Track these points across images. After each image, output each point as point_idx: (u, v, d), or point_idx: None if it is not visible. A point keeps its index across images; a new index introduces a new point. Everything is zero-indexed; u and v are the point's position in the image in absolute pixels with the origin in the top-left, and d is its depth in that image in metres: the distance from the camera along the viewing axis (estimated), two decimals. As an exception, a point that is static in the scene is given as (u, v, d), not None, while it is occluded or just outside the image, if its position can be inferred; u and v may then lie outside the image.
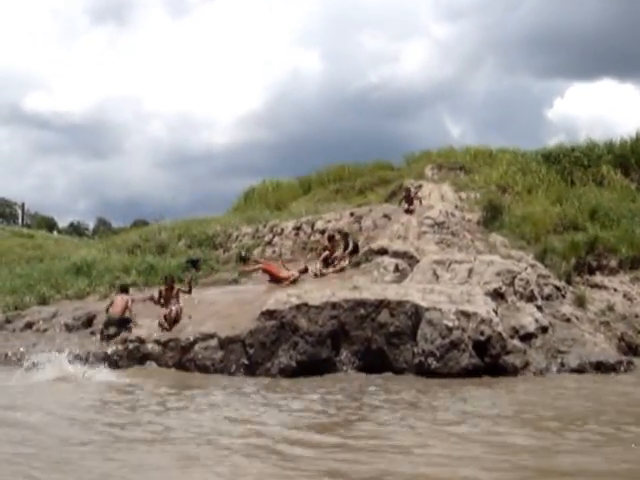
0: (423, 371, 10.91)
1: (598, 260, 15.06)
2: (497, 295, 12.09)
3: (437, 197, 17.82)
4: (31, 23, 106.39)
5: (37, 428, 7.31)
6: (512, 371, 10.85)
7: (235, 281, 15.49)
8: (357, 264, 14.24)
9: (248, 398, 9.33)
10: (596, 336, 12.37)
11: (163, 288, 13.78)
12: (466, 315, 11.09)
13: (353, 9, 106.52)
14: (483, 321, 11.04)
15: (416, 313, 11.41)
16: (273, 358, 11.72)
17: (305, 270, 14.56)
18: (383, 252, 14.22)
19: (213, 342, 11.97)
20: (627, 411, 8.23)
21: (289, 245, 16.73)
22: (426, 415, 7.94)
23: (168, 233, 19.58)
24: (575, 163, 19.88)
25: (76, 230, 50.51)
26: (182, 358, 12.01)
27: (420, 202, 16.72)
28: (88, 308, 14.60)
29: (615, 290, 14.32)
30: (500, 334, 11.02)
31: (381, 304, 11.76)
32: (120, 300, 13.47)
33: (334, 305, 11.90)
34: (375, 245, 14.45)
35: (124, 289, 14.05)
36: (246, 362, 11.75)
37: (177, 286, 13.95)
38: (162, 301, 13.47)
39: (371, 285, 12.79)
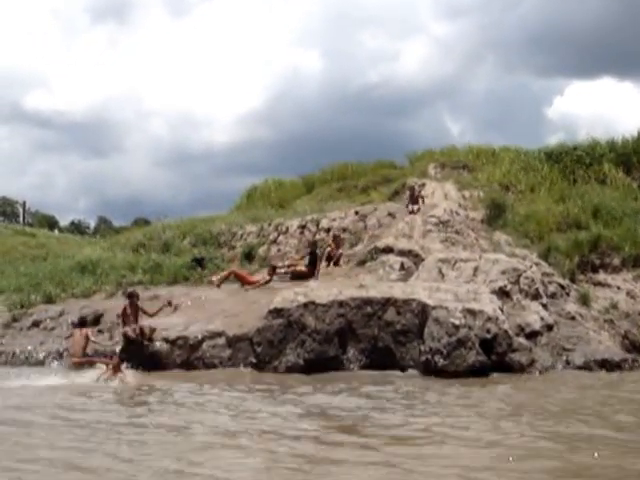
0: (430, 369, 10.98)
1: (601, 258, 15.15)
2: (503, 293, 12.18)
3: (440, 196, 17.93)
4: (32, 22, 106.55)
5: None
6: (518, 369, 10.94)
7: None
8: (363, 262, 14.32)
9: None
10: (600, 334, 12.47)
11: (127, 304, 12.50)
12: (472, 313, 11.17)
13: (353, 8, 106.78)
14: (489, 319, 11.13)
15: (423, 311, 11.50)
16: (281, 356, 11.80)
17: (273, 270, 14.71)
18: (388, 250, 14.30)
19: (221, 340, 12.05)
20: None
21: (294, 244, 16.82)
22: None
23: (172, 232, 19.65)
24: (577, 161, 20.01)
25: (77, 228, 50.63)
26: (190, 356, 12.07)
27: (423, 201, 16.82)
28: (95, 306, 14.68)
29: (618, 288, 14.41)
30: (506, 332, 11.11)
31: (388, 302, 11.84)
32: (79, 337, 12.45)
33: (341, 303, 11.99)
34: (380, 243, 14.53)
35: (82, 322, 13.05)
36: (254, 360, 11.83)
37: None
38: (125, 319, 12.34)
39: (377, 283, 12.88)
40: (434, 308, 11.34)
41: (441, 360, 10.91)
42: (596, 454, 5.86)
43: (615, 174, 19.28)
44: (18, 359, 13.49)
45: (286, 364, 11.66)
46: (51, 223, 47.23)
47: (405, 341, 11.60)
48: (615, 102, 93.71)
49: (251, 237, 17.91)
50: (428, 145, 22.99)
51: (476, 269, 12.84)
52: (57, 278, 17.54)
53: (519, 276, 12.63)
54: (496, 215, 16.61)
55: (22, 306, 15.78)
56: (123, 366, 11.53)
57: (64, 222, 53.38)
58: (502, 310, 11.52)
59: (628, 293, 14.24)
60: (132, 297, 12.52)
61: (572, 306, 13.06)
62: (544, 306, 12.33)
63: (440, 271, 13.09)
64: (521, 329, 11.60)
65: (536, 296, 12.44)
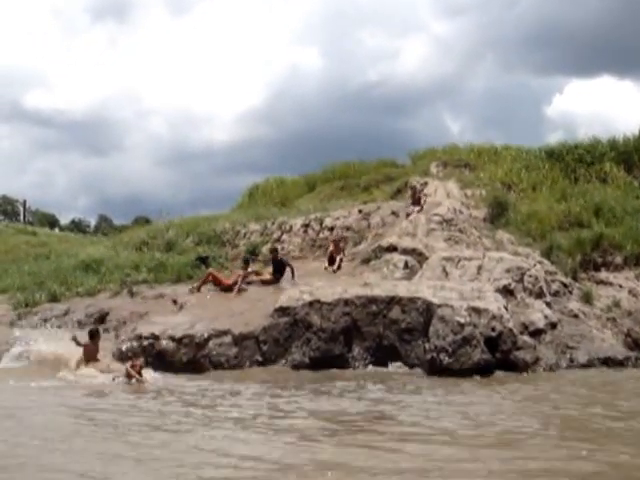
0: (435, 367, 11.07)
1: (603, 257, 15.24)
2: (507, 292, 12.28)
3: (443, 194, 17.98)
4: (32, 21, 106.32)
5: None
6: (523, 366, 11.05)
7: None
8: (367, 261, 14.40)
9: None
10: (603, 332, 12.57)
11: (89, 342, 11.51)
12: (477, 311, 11.27)
13: (352, 6, 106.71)
14: (494, 317, 11.22)
15: (427, 309, 11.59)
16: (286, 354, 11.90)
17: (247, 264, 14.71)
18: (392, 249, 14.38)
19: (227, 339, 12.10)
20: None
21: (298, 242, 16.89)
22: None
23: (175, 230, 19.70)
24: (578, 160, 20.07)
25: (78, 227, 50.63)
26: (196, 354, 12.12)
27: (425, 200, 16.86)
28: (100, 305, 14.75)
29: (620, 286, 14.50)
30: (511, 330, 11.21)
31: (392, 301, 11.94)
32: (92, 348, 11.41)
33: (346, 302, 12.08)
34: (384, 242, 14.60)
35: (92, 336, 11.56)
36: (260, 358, 11.91)
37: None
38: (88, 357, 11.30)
39: (382, 282, 12.97)
40: (439, 306, 11.43)
41: (446, 358, 11.00)
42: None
43: (616, 173, 19.36)
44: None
45: (292, 362, 11.75)
46: (51, 222, 47.27)
47: (410, 339, 11.70)
48: (615, 100, 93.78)
49: (254, 236, 17.97)
50: (428, 143, 23.14)
51: (480, 267, 12.93)
52: (61, 277, 17.60)
53: (523, 274, 12.73)
54: (498, 214, 16.68)
55: (27, 305, 15.85)
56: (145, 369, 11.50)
57: (64, 221, 53.53)
58: (506, 308, 11.62)
59: (630, 291, 14.34)
60: (94, 337, 11.62)
61: (575, 304, 13.16)
62: (548, 304, 12.43)
63: (444, 269, 13.18)
64: (525, 327, 11.70)
65: (540, 294, 12.54)
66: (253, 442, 6.64)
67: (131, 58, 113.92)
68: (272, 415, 7.94)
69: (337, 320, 11.97)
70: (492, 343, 11.09)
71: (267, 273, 14.78)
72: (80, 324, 14.08)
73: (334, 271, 14.62)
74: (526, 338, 11.41)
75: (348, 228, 16.43)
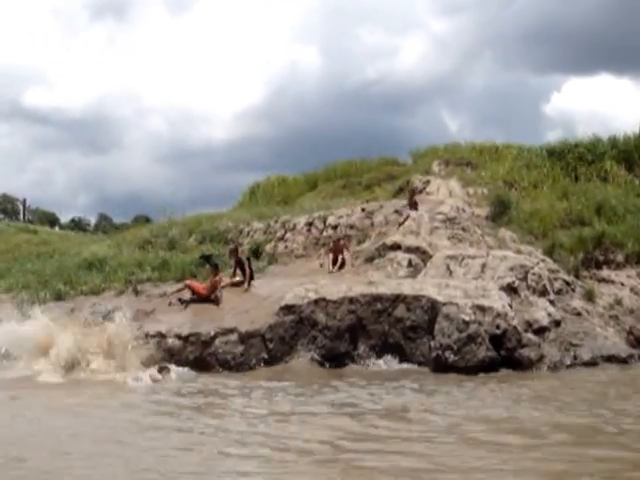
0: (440, 364, 11.16)
1: (605, 255, 15.33)
2: (511, 290, 12.34)
3: (445, 192, 18.09)
4: (31, 19, 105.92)
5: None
6: (527, 364, 11.14)
7: (249, 276, 15.67)
8: (371, 259, 14.47)
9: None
10: (606, 330, 12.67)
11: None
12: (482, 309, 11.37)
13: (351, 4, 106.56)
14: (499, 315, 11.32)
15: (432, 307, 11.69)
16: (292, 352, 12.00)
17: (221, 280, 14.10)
18: (396, 247, 14.43)
19: (233, 337, 12.18)
20: None
21: (301, 240, 16.94)
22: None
23: (178, 229, 19.73)
24: (579, 159, 20.19)
25: (78, 225, 50.58)
26: (203, 352, 12.21)
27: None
28: (106, 304, 14.77)
29: (622, 284, 14.59)
30: (515, 328, 11.30)
31: (397, 299, 12.03)
32: None
33: (351, 300, 12.18)
34: (388, 240, 14.66)
35: None
36: (266, 356, 11.99)
37: None
38: None
39: (386, 280, 13.04)
40: (444, 304, 11.52)
41: (452, 356, 11.10)
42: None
43: (617, 171, 19.48)
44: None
45: (298, 360, 11.85)
46: (52, 220, 47.26)
47: (415, 337, 11.80)
48: (613, 98, 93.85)
49: (258, 234, 18.01)
50: (426, 141, 23.35)
51: (484, 266, 13.00)
52: (65, 275, 17.60)
53: (527, 273, 12.81)
54: (501, 212, 16.76)
55: (32, 303, 15.84)
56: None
57: (64, 219, 53.52)
58: (511, 306, 11.71)
59: (632, 289, 14.43)
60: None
61: (578, 302, 13.24)
62: (551, 302, 12.51)
63: (448, 268, 13.25)
64: (529, 325, 11.78)
65: (543, 292, 12.62)
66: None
67: (130, 56, 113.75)
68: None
69: (342, 318, 12.07)
70: (497, 341, 11.19)
71: (238, 275, 14.48)
72: (86, 323, 14.10)
73: (331, 271, 14.50)
74: (530, 336, 11.50)
75: (351, 226, 16.49)
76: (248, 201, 25.14)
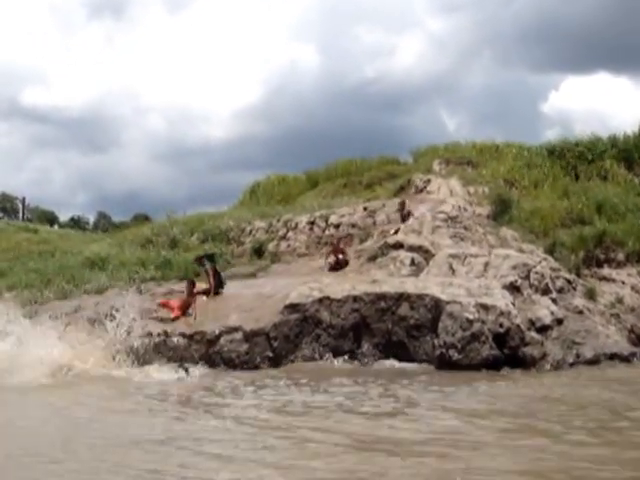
0: (444, 362, 11.25)
1: (606, 253, 15.41)
2: (513, 288, 12.41)
3: (446, 192, 18.13)
4: (29, 18, 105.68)
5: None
6: (531, 362, 11.23)
7: (253, 275, 15.78)
8: (373, 258, 14.55)
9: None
10: (608, 328, 12.76)
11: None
12: (485, 308, 11.45)
13: (349, 3, 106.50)
14: (502, 313, 11.40)
15: (436, 306, 11.76)
16: (297, 351, 12.08)
17: (192, 285, 13.93)
18: (399, 246, 14.51)
19: (238, 335, 12.25)
20: None
21: (303, 239, 17.02)
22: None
23: (180, 228, 19.81)
24: (579, 158, 20.23)
25: (77, 224, 50.58)
26: (208, 351, 12.28)
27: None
28: (110, 302, 14.81)
29: (623, 283, 14.68)
30: (519, 326, 11.39)
31: (401, 297, 12.11)
32: None
33: (355, 298, 12.26)
34: (391, 239, 14.75)
35: None
36: (270, 355, 12.07)
37: None
38: None
39: (389, 279, 13.12)
40: (448, 303, 11.60)
41: (455, 354, 11.18)
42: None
43: (617, 170, 19.54)
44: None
45: (302, 359, 11.94)
46: (51, 219, 47.27)
47: (418, 335, 11.88)
48: (610, 97, 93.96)
49: (260, 233, 18.09)
50: (425, 140, 23.43)
51: (486, 264, 13.09)
52: (67, 274, 17.68)
53: (529, 271, 12.89)
54: (502, 211, 16.82)
55: (35, 302, 15.92)
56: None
57: (63, 217, 53.51)
58: (514, 305, 11.79)
59: (633, 288, 14.52)
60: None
61: (579, 301, 13.32)
62: (553, 301, 12.59)
63: (451, 266, 13.34)
64: (532, 323, 11.86)
65: (546, 291, 12.71)
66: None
67: (128, 55, 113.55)
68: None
69: (346, 316, 12.15)
70: (500, 339, 11.28)
71: (204, 283, 14.35)
72: (90, 321, 14.15)
73: (340, 268, 14.63)
74: (533, 334, 11.58)
75: (354, 225, 16.58)
76: (248, 200, 25.17)
